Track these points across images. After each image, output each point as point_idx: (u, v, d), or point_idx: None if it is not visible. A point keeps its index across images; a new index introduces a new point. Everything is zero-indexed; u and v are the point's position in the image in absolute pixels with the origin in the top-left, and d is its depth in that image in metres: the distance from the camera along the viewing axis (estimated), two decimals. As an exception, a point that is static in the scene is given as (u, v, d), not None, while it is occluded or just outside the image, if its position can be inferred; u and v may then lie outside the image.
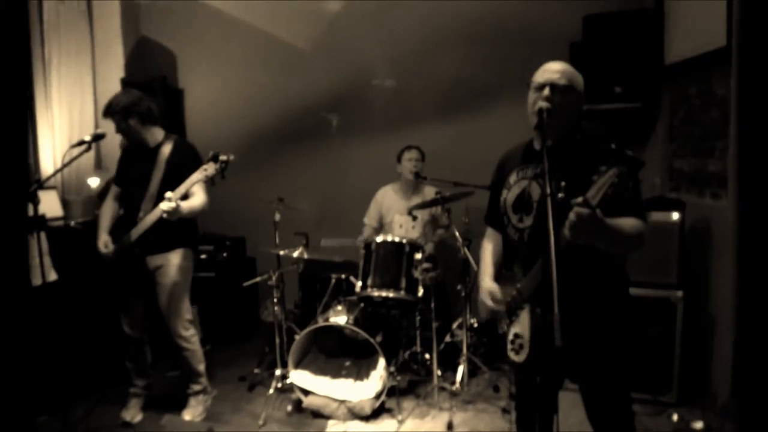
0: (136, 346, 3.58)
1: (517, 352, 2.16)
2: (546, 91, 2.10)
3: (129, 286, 3.48)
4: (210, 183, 3.19)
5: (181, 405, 3.60)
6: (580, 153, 2.05)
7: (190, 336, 3.51)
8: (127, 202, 3.48)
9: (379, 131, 5.19)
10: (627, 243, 1.97)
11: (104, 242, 3.40)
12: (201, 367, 3.60)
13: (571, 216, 1.76)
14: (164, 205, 3.04)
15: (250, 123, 5.39)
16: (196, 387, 3.60)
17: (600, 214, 1.76)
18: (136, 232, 3.30)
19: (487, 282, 2.34)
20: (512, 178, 2.26)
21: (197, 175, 3.14)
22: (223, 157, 3.13)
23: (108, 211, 3.53)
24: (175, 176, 3.25)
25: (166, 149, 3.38)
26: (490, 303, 2.27)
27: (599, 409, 2.22)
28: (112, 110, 3.30)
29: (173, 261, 3.41)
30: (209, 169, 3.13)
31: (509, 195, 2.25)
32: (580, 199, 1.75)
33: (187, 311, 3.51)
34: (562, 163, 1.98)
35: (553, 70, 2.15)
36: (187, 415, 3.53)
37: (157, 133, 3.42)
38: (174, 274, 3.40)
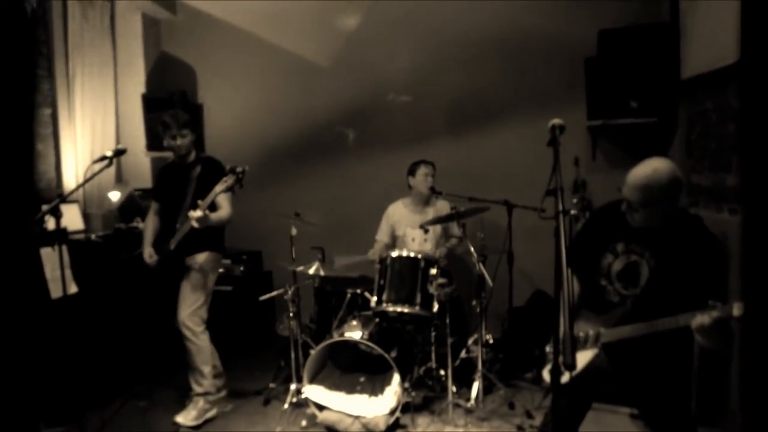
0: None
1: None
2: (623, 206, 2.34)
3: (171, 284, 3.77)
4: (232, 192, 3.54)
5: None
6: (678, 236, 2.30)
7: (198, 331, 3.70)
8: (165, 216, 3.84)
9: (395, 145, 5.22)
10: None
11: (149, 254, 3.77)
12: (206, 369, 3.72)
13: (707, 320, 1.99)
14: (193, 214, 3.36)
15: (268, 137, 5.46)
16: (198, 389, 3.72)
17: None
18: (173, 241, 3.64)
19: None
20: (619, 246, 2.45)
21: (218, 187, 3.42)
22: (239, 169, 3.44)
23: (150, 225, 3.92)
24: (204, 191, 3.52)
25: (198, 168, 3.74)
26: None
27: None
28: (187, 122, 3.74)
29: (200, 259, 3.74)
30: (229, 180, 3.42)
31: (615, 263, 2.47)
32: (722, 308, 1.98)
33: (201, 308, 3.73)
34: (661, 242, 2.33)
35: (631, 186, 2.30)
36: (180, 417, 3.64)
37: (192, 153, 3.83)
38: (199, 268, 3.72)
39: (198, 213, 3.34)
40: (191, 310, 3.69)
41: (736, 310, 1.93)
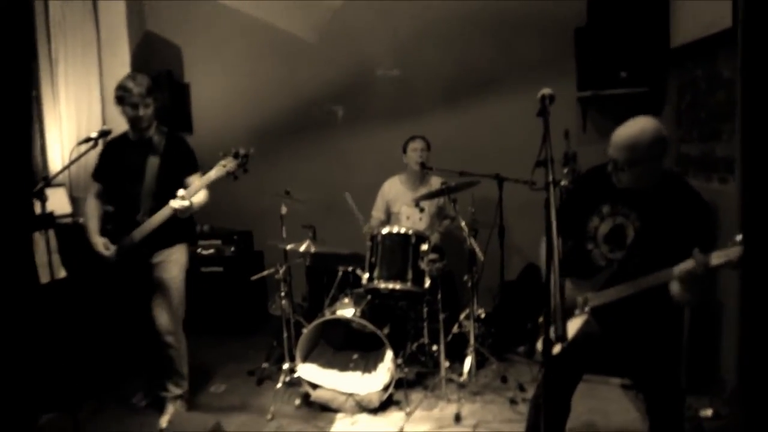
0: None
1: None
2: (609, 167, 2.30)
3: (137, 286, 3.39)
4: (232, 178, 3.16)
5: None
6: (663, 196, 2.27)
7: (181, 335, 3.45)
8: (119, 198, 3.37)
9: (385, 121, 5.17)
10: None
11: (104, 244, 3.26)
12: (185, 369, 3.50)
13: (683, 267, 2.02)
14: (177, 204, 3.05)
15: (256, 116, 5.39)
16: (177, 390, 3.49)
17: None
18: (141, 232, 3.22)
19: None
20: (605, 209, 2.42)
21: (216, 172, 3.11)
22: (242, 151, 3.13)
23: (94, 211, 3.39)
24: (171, 170, 3.26)
25: (159, 143, 3.31)
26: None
27: (664, 401, 2.37)
28: (150, 88, 3.21)
29: (174, 256, 3.38)
30: (228, 164, 3.12)
31: (602, 225, 2.43)
32: (698, 256, 1.97)
33: (181, 308, 3.44)
34: (646, 203, 2.29)
35: (617, 145, 2.26)
36: (165, 422, 3.39)
37: (153, 126, 3.35)
38: (175, 270, 3.39)
39: (184, 203, 3.04)
40: (175, 315, 3.38)
41: (715, 259, 1.95)
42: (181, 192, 3.10)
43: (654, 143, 2.20)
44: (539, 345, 2.53)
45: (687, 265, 2.02)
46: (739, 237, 1.89)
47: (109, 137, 3.30)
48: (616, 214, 2.39)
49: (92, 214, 3.38)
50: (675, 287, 2.08)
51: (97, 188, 3.42)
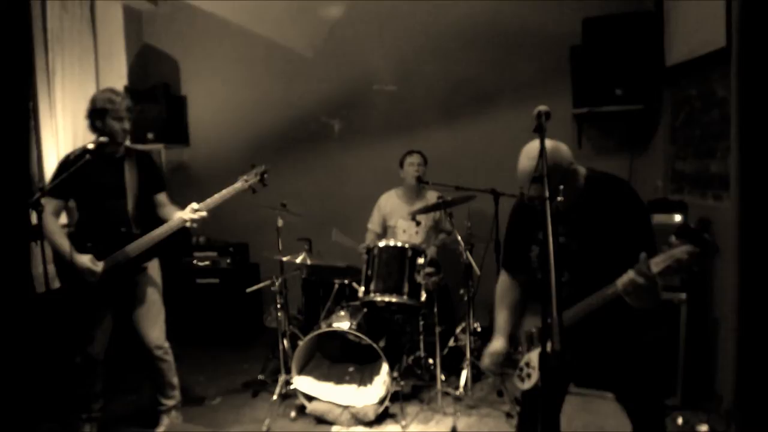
0: (97, 368, 3.37)
1: (522, 380, 2.36)
2: (536, 203, 2.13)
3: (111, 303, 3.31)
4: (251, 192, 3.33)
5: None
6: (592, 197, 2.21)
7: (168, 347, 3.41)
8: (97, 214, 3.21)
9: (381, 136, 5.20)
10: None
11: (90, 259, 3.08)
12: (175, 379, 3.47)
13: (625, 280, 1.95)
14: (195, 215, 3.12)
15: (253, 129, 5.41)
16: (170, 402, 3.47)
17: (659, 281, 1.90)
18: (140, 245, 3.16)
19: (497, 343, 2.43)
20: (540, 234, 2.35)
21: (240, 185, 3.26)
22: (264, 168, 3.32)
23: (60, 230, 3.17)
24: (148, 186, 3.30)
25: (133, 159, 3.28)
26: (487, 362, 2.44)
27: (643, 412, 2.35)
28: (131, 107, 3.19)
29: (155, 269, 3.40)
30: (250, 179, 3.28)
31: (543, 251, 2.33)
32: (641, 265, 1.90)
33: (164, 320, 3.42)
34: (578, 211, 2.21)
35: (519, 172, 2.23)
36: None
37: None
38: (158, 281, 3.40)
39: (203, 214, 3.10)
40: (162, 327, 3.37)
41: (655, 266, 1.88)
42: (195, 205, 3.14)
43: (567, 153, 2.19)
44: (517, 381, 2.42)
45: (627, 277, 1.95)
46: (672, 238, 1.85)
47: (71, 153, 3.24)
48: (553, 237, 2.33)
49: (59, 233, 3.14)
50: (627, 297, 2.01)
51: (55, 205, 3.17)
